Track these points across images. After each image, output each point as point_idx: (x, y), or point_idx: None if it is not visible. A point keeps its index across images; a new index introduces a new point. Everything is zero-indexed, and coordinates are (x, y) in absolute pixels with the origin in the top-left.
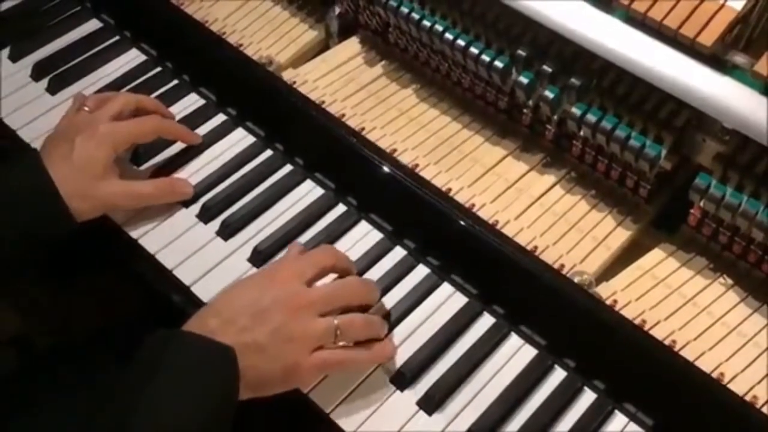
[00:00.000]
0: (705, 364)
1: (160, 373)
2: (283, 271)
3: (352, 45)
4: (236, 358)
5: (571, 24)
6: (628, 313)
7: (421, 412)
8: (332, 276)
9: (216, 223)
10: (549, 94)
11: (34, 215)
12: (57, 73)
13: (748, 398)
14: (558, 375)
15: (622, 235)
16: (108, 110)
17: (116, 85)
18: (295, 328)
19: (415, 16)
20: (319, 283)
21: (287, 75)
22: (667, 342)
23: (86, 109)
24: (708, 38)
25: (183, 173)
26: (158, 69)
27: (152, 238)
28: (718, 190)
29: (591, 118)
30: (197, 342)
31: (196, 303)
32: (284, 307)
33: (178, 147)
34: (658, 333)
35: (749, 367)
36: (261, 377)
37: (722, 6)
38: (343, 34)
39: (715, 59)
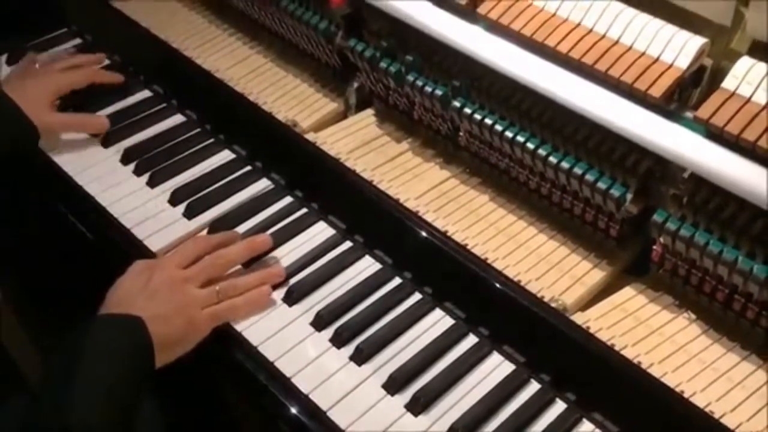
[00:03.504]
0: (667, 383)
1: (86, 348)
2: (161, 263)
3: (368, 115)
4: (145, 324)
5: (552, 89)
6: (599, 337)
7: (408, 414)
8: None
9: None
10: (542, 152)
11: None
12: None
13: (707, 410)
14: (532, 387)
15: (597, 275)
16: (55, 65)
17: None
18: (182, 298)
19: (420, 83)
20: None
21: (309, 137)
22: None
23: (36, 65)
24: (657, 91)
25: (210, 214)
26: (198, 129)
27: None
28: (673, 224)
29: (565, 165)
30: (111, 318)
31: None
32: (168, 286)
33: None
34: (625, 354)
35: (708, 387)
36: (168, 338)
37: (670, 66)
38: (360, 106)
39: (663, 109)
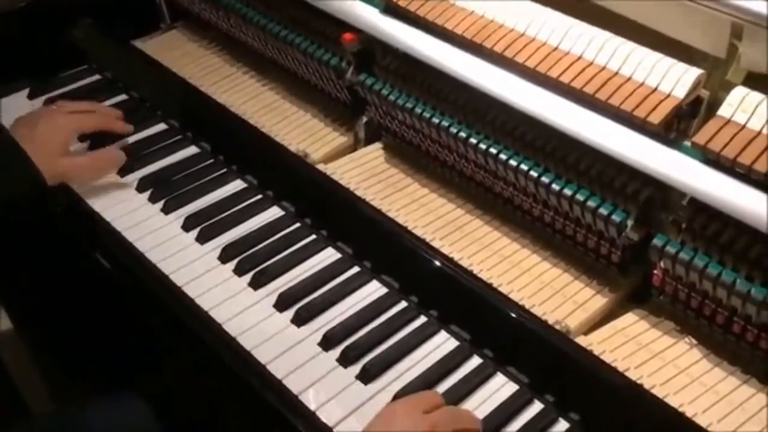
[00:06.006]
0: (670, 403)
1: None
2: (404, 404)
3: (377, 147)
4: None
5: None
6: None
7: None
8: None
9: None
10: (545, 179)
11: (9, 176)
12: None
13: (711, 429)
14: (536, 407)
15: (599, 301)
16: (67, 107)
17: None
18: None
19: (427, 115)
20: None
21: (319, 168)
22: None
23: (53, 106)
24: (656, 118)
25: (222, 239)
26: (211, 160)
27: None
28: (672, 247)
29: (568, 191)
30: None
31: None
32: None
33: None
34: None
35: (710, 409)
36: None
37: (668, 95)
38: (370, 139)
39: (661, 136)
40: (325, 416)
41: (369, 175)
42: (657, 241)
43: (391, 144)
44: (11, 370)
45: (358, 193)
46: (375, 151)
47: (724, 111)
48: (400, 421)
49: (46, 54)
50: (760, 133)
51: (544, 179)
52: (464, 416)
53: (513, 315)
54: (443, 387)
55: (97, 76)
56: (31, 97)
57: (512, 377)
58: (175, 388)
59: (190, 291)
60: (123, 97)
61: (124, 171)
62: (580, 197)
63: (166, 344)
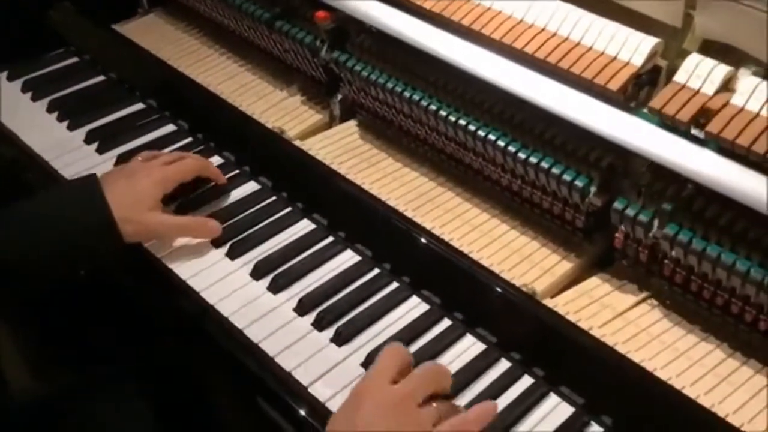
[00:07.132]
0: (632, 359)
1: None
2: (368, 384)
3: (351, 124)
4: None
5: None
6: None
7: None
8: None
9: None
10: (512, 148)
11: (88, 231)
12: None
13: (670, 382)
14: (503, 365)
15: (565, 266)
16: (161, 159)
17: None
18: (409, 422)
19: (398, 89)
20: None
21: (296, 144)
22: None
23: (139, 158)
24: (614, 85)
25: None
26: (190, 138)
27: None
28: (632, 209)
29: (533, 159)
30: None
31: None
32: (388, 410)
33: None
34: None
35: (669, 365)
36: None
37: (627, 63)
38: (344, 117)
39: (620, 102)
40: (301, 377)
41: (344, 150)
42: (618, 204)
43: (365, 121)
44: None
45: (333, 167)
46: (350, 128)
47: (679, 77)
48: (370, 399)
49: (24, 36)
50: (713, 97)
51: (511, 148)
52: (434, 371)
53: (482, 279)
54: (414, 347)
55: (75, 59)
56: (10, 79)
57: (480, 337)
58: (157, 362)
59: (168, 261)
60: (101, 78)
61: (101, 150)
62: (545, 165)
63: (145, 316)
